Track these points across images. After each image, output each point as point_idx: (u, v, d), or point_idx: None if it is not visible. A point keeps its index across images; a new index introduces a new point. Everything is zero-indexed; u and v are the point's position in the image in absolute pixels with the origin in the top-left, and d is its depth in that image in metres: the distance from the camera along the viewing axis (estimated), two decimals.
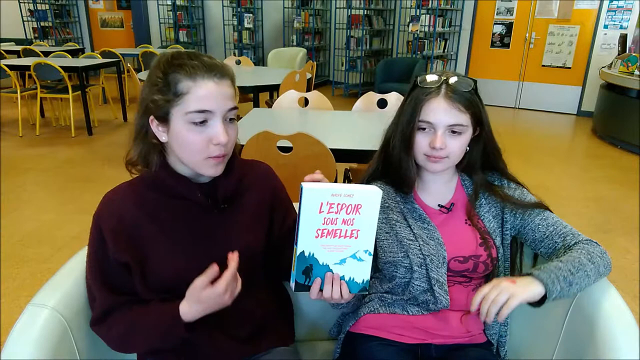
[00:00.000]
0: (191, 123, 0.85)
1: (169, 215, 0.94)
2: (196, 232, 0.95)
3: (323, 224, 0.79)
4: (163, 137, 0.90)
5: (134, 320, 0.91)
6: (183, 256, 0.93)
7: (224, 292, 0.83)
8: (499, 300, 0.86)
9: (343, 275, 0.85)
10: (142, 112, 0.90)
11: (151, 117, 0.88)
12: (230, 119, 0.90)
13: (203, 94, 0.84)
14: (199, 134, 0.86)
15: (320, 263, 0.83)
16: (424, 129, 1.00)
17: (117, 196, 0.95)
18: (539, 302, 0.91)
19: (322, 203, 0.78)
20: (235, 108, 0.90)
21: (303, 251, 0.81)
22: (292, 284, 0.84)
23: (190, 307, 0.86)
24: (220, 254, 0.93)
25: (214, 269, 0.82)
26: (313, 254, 0.82)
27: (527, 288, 0.89)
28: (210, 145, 0.87)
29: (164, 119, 0.87)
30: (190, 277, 0.91)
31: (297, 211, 0.79)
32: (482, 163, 1.09)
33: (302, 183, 0.78)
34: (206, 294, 0.82)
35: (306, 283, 0.84)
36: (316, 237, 0.80)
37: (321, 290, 0.85)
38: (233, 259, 0.83)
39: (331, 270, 0.84)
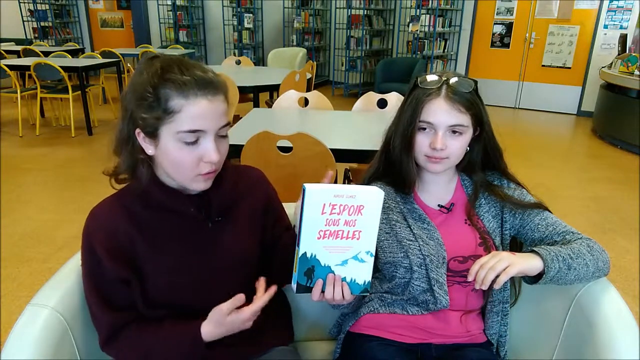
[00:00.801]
0: (182, 142, 0.81)
1: (161, 229, 0.91)
2: (191, 245, 0.93)
3: (325, 225, 0.79)
4: (150, 150, 0.86)
5: (150, 343, 0.89)
6: (179, 271, 0.92)
7: (248, 319, 0.85)
8: (498, 267, 0.87)
9: (345, 277, 0.85)
10: (127, 121, 0.85)
11: (138, 130, 0.84)
12: (222, 135, 0.87)
13: (196, 113, 0.80)
14: (189, 153, 0.82)
15: (322, 264, 0.83)
16: (425, 129, 1.00)
17: (104, 211, 0.91)
18: (536, 280, 0.93)
19: (324, 204, 0.78)
20: (227, 124, 0.86)
21: (305, 252, 0.81)
22: (294, 286, 0.83)
23: (213, 329, 0.86)
24: (216, 265, 0.93)
25: (240, 297, 0.83)
26: (315, 255, 0.81)
27: (527, 260, 0.91)
28: (200, 163, 0.84)
29: (153, 134, 0.83)
30: (188, 291, 0.92)
31: (299, 212, 0.78)
32: (483, 163, 1.10)
33: (305, 184, 0.77)
34: (230, 319, 0.84)
35: (308, 284, 0.84)
36: (318, 238, 0.80)
37: (322, 291, 0.85)
38: (269, 292, 0.86)
39: (333, 272, 0.84)
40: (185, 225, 0.93)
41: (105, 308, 0.89)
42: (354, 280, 0.85)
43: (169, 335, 0.89)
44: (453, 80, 0.99)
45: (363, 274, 0.85)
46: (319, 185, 0.78)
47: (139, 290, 0.90)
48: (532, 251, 0.94)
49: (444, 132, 0.98)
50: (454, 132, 0.99)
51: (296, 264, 0.82)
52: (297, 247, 0.81)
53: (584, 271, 0.94)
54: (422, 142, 1.01)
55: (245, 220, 1.00)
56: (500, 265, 0.87)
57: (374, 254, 0.84)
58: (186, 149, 0.82)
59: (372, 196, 0.80)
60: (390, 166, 1.08)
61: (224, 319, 0.84)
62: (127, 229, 0.89)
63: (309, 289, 0.84)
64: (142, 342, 0.89)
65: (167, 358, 0.89)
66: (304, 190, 0.77)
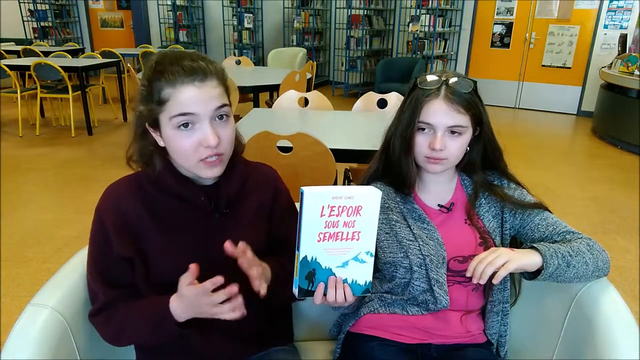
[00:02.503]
0: (178, 127, 0.84)
1: (170, 215, 0.94)
2: (197, 233, 0.94)
3: (325, 227, 0.79)
4: (161, 142, 0.90)
5: (127, 313, 0.91)
6: (182, 257, 0.92)
7: (214, 300, 0.80)
8: (496, 262, 0.88)
9: (346, 278, 0.85)
10: (137, 115, 0.91)
11: (147, 123, 0.89)
12: (221, 117, 0.87)
13: (183, 99, 0.83)
14: (187, 138, 0.85)
15: (323, 267, 0.82)
16: (424, 130, 1.00)
17: (119, 190, 0.95)
18: (535, 276, 0.93)
19: (323, 206, 0.78)
20: (224, 105, 0.87)
21: (306, 256, 0.81)
22: (295, 290, 0.83)
23: (177, 302, 0.84)
24: (220, 256, 0.93)
25: (192, 268, 0.79)
26: (315, 258, 0.81)
27: (526, 255, 0.91)
28: (200, 148, 0.86)
29: (155, 125, 0.88)
30: None
31: (299, 216, 0.78)
32: (483, 163, 1.10)
33: (302, 187, 0.77)
34: (193, 293, 0.80)
35: (310, 288, 0.83)
36: (318, 241, 0.80)
37: (324, 294, 0.84)
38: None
39: (334, 274, 0.84)
40: (193, 213, 0.95)
41: (103, 283, 0.91)
42: (355, 282, 0.85)
43: (143, 307, 0.90)
44: (452, 80, 0.99)
45: (364, 274, 0.85)
46: (317, 188, 0.78)
47: (142, 271, 0.92)
48: (532, 247, 0.94)
49: (443, 132, 0.98)
50: (453, 132, 0.99)
51: (297, 268, 0.82)
52: (297, 251, 0.81)
53: (583, 269, 0.94)
54: (421, 142, 1.01)
55: (252, 216, 1.01)
56: (499, 261, 0.88)
57: (373, 254, 0.84)
58: (183, 135, 0.85)
59: (370, 196, 0.80)
60: (390, 166, 1.08)
61: (184, 291, 0.80)
62: (137, 207, 0.92)
63: (310, 293, 0.84)
64: (121, 314, 0.91)
65: (138, 329, 0.90)
66: (302, 193, 0.77)
